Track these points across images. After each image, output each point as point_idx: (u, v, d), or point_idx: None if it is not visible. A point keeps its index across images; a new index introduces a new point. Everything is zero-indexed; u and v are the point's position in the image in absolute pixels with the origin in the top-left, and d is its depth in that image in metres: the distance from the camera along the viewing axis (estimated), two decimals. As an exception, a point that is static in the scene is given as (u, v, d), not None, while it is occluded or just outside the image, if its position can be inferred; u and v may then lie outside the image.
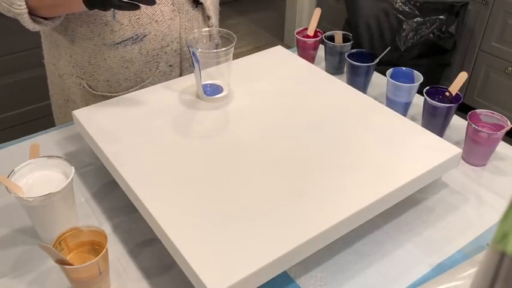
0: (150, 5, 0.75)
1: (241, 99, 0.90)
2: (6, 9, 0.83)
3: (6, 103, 1.87)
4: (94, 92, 1.00)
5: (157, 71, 1.00)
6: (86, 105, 0.90)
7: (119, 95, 0.97)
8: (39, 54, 1.13)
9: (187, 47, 0.86)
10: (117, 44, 0.94)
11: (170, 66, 1.01)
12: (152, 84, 1.00)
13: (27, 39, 1.69)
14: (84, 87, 0.99)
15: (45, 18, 0.87)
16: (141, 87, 1.00)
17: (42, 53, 1.07)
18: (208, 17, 1.02)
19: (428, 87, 0.93)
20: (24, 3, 0.81)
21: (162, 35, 0.96)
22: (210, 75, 0.90)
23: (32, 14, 0.84)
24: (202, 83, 0.89)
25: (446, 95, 0.94)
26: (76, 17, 0.91)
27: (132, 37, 0.94)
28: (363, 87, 1.06)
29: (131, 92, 0.96)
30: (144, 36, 0.94)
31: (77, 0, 0.78)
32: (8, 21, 0.85)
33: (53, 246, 0.61)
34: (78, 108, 0.88)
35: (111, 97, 0.98)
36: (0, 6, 0.83)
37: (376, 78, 1.14)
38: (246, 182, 0.71)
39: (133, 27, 0.93)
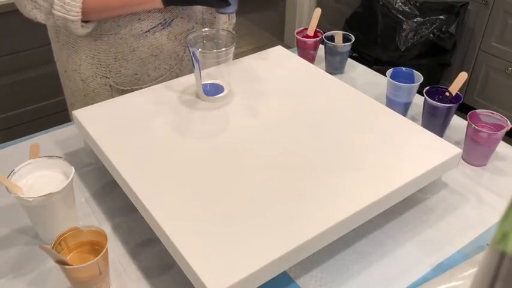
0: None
1: (241, 99, 0.90)
2: (58, 17, 0.83)
3: (6, 103, 1.87)
4: (122, 88, 1.01)
5: (185, 54, 1.02)
6: None
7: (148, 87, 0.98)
8: (39, 54, 1.13)
9: (188, 47, 0.86)
10: (146, 32, 0.95)
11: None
12: (180, 69, 1.03)
13: (27, 39, 1.70)
14: (110, 86, 1.00)
15: (86, 22, 0.88)
16: (170, 75, 1.02)
17: (52, 58, 1.07)
18: None
19: (428, 87, 0.93)
20: (81, 10, 0.83)
21: (187, 17, 0.98)
22: (210, 75, 0.90)
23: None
24: (202, 82, 0.89)
25: (446, 95, 0.94)
26: None
27: (160, 23, 0.96)
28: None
29: (160, 80, 1.00)
30: (171, 20, 0.96)
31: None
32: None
33: (53, 246, 0.61)
34: (98, 103, 0.89)
35: None
36: (45, 17, 0.84)
37: (376, 78, 1.14)
38: (245, 182, 0.71)
39: (161, 13, 0.95)
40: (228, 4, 0.84)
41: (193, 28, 1.00)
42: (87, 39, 0.96)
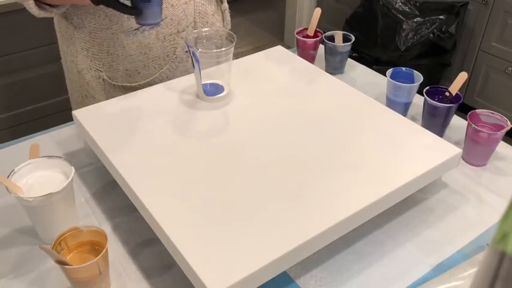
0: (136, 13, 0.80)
1: (241, 99, 0.90)
2: None
3: (7, 103, 1.87)
4: (114, 83, 1.01)
5: (174, 56, 1.02)
6: (106, 99, 0.93)
7: (138, 85, 0.99)
8: (39, 54, 1.13)
9: (187, 47, 0.86)
10: (135, 30, 0.96)
11: (186, 52, 1.03)
12: (170, 71, 1.03)
13: (27, 39, 1.70)
14: (104, 79, 1.01)
15: (50, 6, 0.88)
16: (160, 75, 1.02)
17: (56, 52, 1.08)
18: (221, 0, 1.05)
19: (428, 87, 0.93)
20: None
21: (177, 19, 0.98)
22: (210, 75, 0.90)
23: (38, 0, 0.86)
24: (202, 82, 0.89)
25: (446, 95, 0.94)
26: (94, 7, 0.93)
27: None
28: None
29: (149, 81, 1.00)
30: (161, 21, 0.96)
31: None
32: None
33: (53, 246, 0.61)
34: (98, 103, 0.89)
35: (131, 88, 1.00)
36: None
37: (376, 78, 1.14)
38: (245, 182, 0.71)
39: None
40: (139, 13, 0.82)
41: (184, 31, 1.00)
42: (83, 32, 0.97)
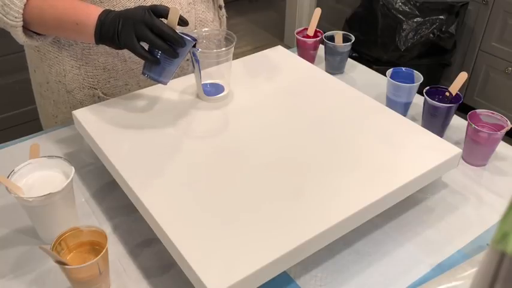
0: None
1: (241, 99, 0.90)
2: None
3: (7, 103, 1.87)
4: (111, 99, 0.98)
5: None
6: None
7: None
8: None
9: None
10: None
11: (187, 60, 1.02)
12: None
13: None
14: (99, 97, 0.98)
15: (38, 34, 0.85)
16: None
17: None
18: (220, 7, 1.05)
19: (428, 87, 0.93)
20: (21, 16, 0.79)
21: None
22: (210, 75, 0.90)
23: (25, 27, 0.82)
24: (202, 82, 0.89)
25: (446, 95, 0.94)
26: None
27: None
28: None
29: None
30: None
31: (88, 34, 0.77)
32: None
33: (53, 246, 0.61)
34: (98, 103, 0.88)
35: None
36: None
37: (376, 78, 1.14)
38: (245, 182, 0.71)
39: None
40: (155, 63, 0.77)
41: None
42: (73, 50, 0.93)
